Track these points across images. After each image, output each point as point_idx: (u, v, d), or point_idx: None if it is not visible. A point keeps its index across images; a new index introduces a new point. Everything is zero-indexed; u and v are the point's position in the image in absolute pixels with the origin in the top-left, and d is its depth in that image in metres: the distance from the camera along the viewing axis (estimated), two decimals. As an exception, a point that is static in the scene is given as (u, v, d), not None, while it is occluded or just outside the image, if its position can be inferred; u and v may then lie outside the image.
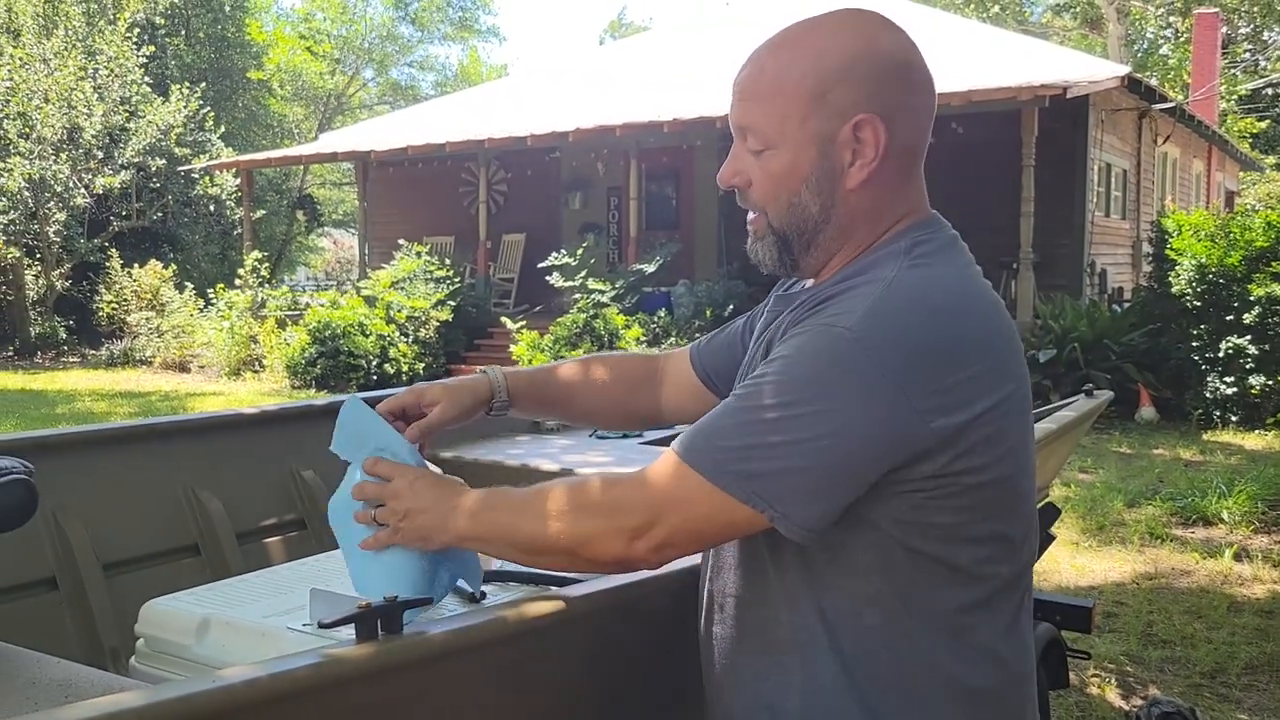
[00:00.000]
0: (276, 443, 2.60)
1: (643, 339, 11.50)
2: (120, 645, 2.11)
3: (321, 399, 3.04)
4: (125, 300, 16.73)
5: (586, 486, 1.23)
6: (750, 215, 1.33)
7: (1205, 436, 9.08)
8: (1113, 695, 3.75)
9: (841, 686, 1.21)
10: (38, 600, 2.10)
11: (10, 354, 17.62)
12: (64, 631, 2.10)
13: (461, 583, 1.40)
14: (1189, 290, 9.68)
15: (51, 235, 17.63)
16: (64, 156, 17.28)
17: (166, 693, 0.85)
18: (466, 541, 1.28)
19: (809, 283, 1.37)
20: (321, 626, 1.02)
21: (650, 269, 12.60)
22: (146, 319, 16.07)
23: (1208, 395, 9.53)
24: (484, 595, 1.43)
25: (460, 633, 1.07)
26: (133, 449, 2.37)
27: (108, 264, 17.32)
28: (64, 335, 18.21)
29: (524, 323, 12.78)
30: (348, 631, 1.05)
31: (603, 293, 12.35)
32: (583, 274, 12.57)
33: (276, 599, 1.43)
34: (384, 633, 1.03)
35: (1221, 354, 9.42)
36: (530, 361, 11.88)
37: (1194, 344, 9.62)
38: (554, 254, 12.97)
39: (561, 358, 12.14)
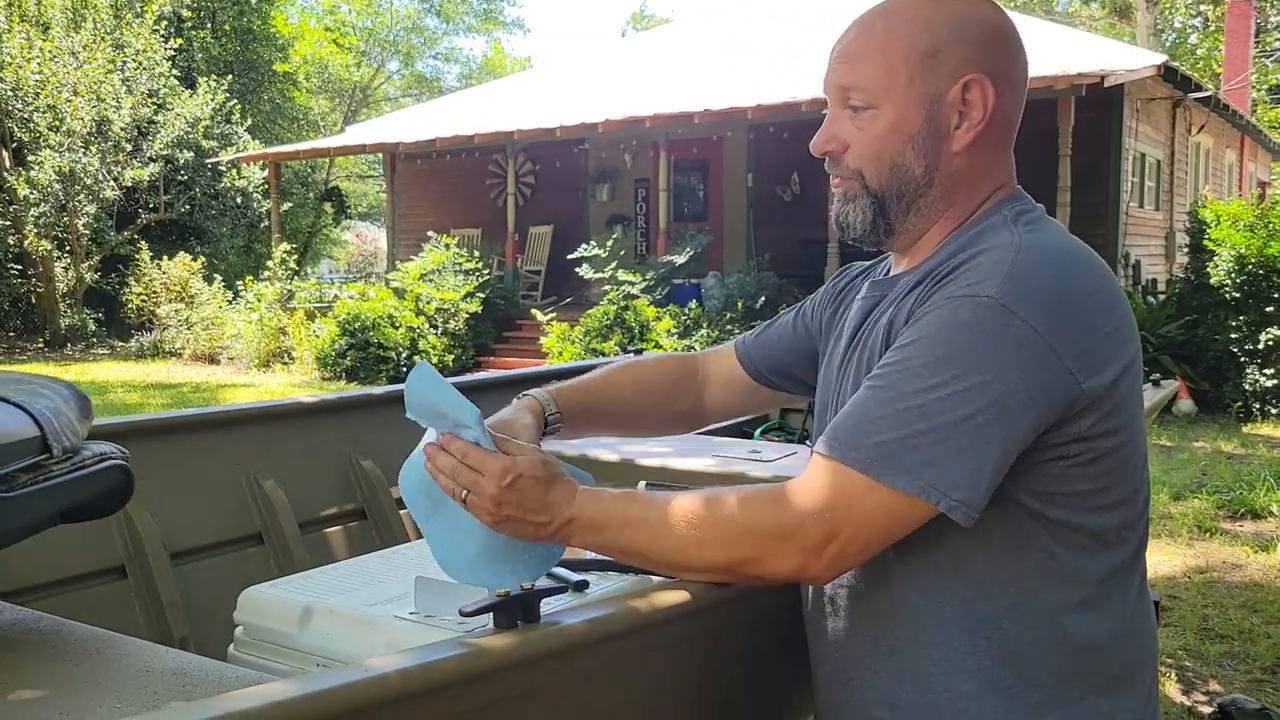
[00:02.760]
0: (336, 432, 2.59)
1: (674, 331, 11.45)
2: (190, 635, 2.09)
3: (379, 388, 3.03)
4: (154, 292, 16.82)
5: (743, 503, 1.14)
6: (835, 180, 1.29)
7: (1245, 429, 8.97)
8: (1173, 690, 3.69)
9: (971, 670, 1.15)
10: (108, 589, 2.09)
11: (40, 346, 17.75)
12: (134, 620, 2.09)
13: (562, 570, 1.36)
14: (1227, 281, 9.55)
15: (81, 228, 17.73)
16: (93, 149, 17.36)
17: (322, 682, 0.81)
18: (589, 550, 1.22)
19: (892, 269, 1.33)
20: (463, 615, 0.99)
21: (680, 260, 12.55)
22: (176, 311, 16.15)
23: (1247, 388, 9.41)
24: (586, 585, 1.39)
25: (597, 622, 1.04)
26: (196, 437, 2.36)
27: (136, 256, 17.41)
28: (93, 327, 18.32)
29: (553, 315, 12.75)
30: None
31: (633, 284, 12.30)
32: (612, 266, 12.52)
33: (376, 587, 1.40)
34: (522, 622, 1.00)
35: (1261, 345, 9.30)
36: (560, 354, 11.85)
37: (1232, 335, 9.50)
38: (582, 246, 12.94)
39: (593, 350, 11.85)
